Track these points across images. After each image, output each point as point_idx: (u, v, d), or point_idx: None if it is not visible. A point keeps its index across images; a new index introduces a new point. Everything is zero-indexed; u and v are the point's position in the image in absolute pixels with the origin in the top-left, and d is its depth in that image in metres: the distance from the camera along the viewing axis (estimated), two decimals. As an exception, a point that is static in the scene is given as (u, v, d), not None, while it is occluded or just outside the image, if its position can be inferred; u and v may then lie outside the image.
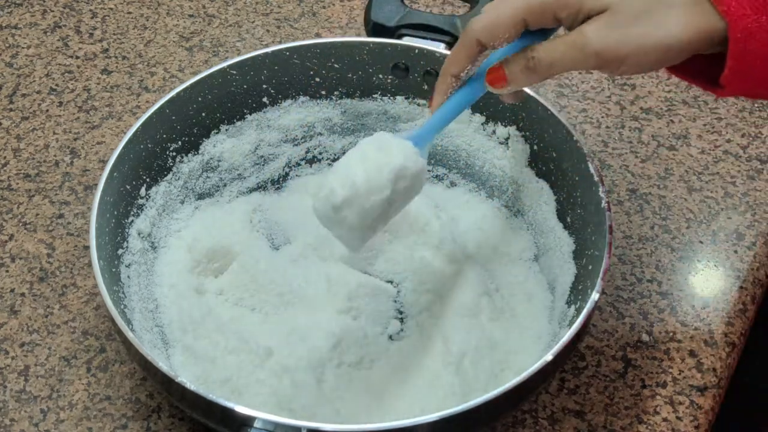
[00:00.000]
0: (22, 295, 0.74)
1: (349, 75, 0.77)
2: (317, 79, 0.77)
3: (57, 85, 0.89)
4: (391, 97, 0.78)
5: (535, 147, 0.75)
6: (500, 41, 0.59)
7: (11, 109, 0.87)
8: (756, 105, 0.88)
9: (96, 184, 0.71)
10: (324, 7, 0.96)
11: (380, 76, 0.77)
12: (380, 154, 0.61)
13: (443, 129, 0.64)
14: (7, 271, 0.76)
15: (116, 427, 0.67)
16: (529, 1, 0.58)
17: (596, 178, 0.68)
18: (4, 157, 0.83)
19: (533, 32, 0.60)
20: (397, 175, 0.61)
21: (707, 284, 0.76)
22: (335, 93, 0.78)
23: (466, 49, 0.60)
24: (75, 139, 0.85)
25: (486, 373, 0.68)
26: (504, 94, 0.63)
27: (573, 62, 0.58)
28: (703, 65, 0.60)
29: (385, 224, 0.63)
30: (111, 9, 0.96)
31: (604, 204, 0.67)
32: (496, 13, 0.59)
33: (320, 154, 0.80)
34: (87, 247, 0.77)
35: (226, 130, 0.77)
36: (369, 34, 0.78)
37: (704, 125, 0.87)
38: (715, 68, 0.58)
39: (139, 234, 0.71)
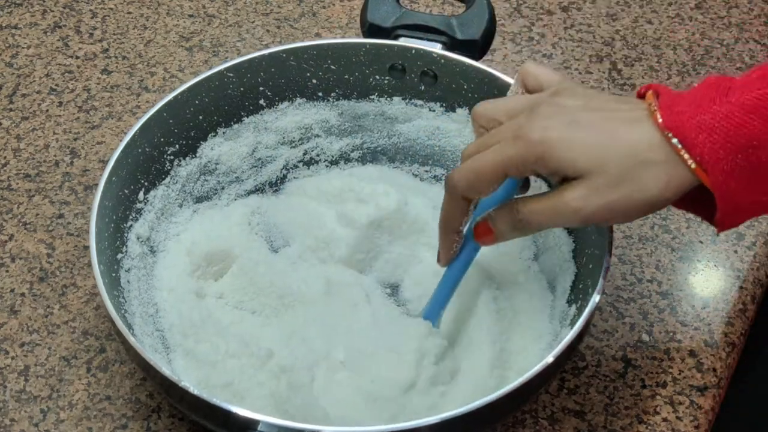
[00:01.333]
0: (22, 295, 0.74)
1: (346, 76, 0.77)
2: (314, 81, 0.77)
3: (57, 85, 0.89)
4: (388, 98, 0.78)
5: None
6: (486, 193, 0.61)
7: (11, 109, 0.87)
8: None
9: (96, 184, 0.71)
10: (324, 7, 0.96)
11: (377, 77, 0.77)
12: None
13: (454, 292, 0.67)
14: (7, 271, 0.76)
15: (116, 427, 0.67)
16: (510, 157, 0.58)
17: (596, 178, 0.68)
18: (4, 157, 0.84)
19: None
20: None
21: (707, 284, 0.76)
22: (332, 94, 0.78)
23: (457, 205, 0.62)
24: (75, 139, 0.85)
25: (487, 374, 0.68)
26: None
27: (558, 223, 0.60)
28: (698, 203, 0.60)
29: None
30: (111, 9, 0.96)
31: (603, 203, 0.67)
32: (477, 169, 0.59)
33: (318, 155, 0.80)
34: (87, 247, 0.77)
35: (224, 132, 0.77)
36: (365, 35, 0.78)
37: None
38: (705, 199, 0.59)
39: (138, 238, 0.71)
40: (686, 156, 0.55)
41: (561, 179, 0.58)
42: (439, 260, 0.66)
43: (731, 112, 0.54)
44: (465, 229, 0.64)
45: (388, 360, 0.66)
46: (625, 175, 0.56)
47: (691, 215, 0.80)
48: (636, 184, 0.56)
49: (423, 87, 0.77)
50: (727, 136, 0.54)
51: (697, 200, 0.59)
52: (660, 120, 0.56)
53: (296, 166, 0.80)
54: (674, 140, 0.55)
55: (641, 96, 0.59)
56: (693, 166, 0.55)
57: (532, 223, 0.60)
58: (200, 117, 0.75)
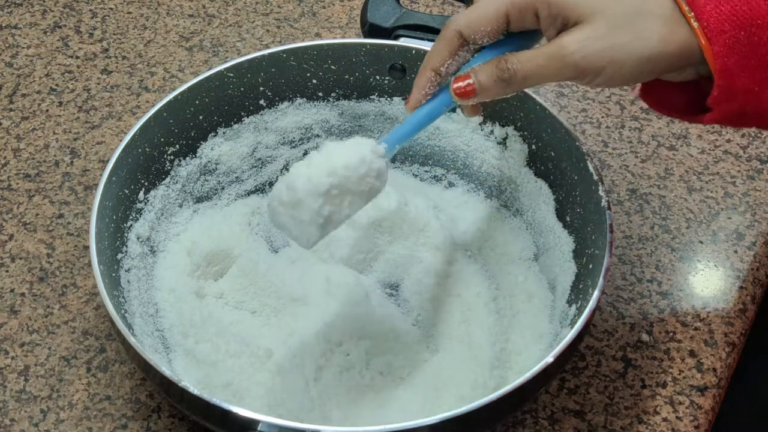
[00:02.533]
0: (22, 295, 0.74)
1: (346, 76, 0.77)
2: (314, 81, 0.77)
3: (57, 85, 0.89)
4: (388, 98, 0.78)
5: (533, 146, 0.75)
6: (482, 35, 0.58)
7: (11, 109, 0.87)
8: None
9: (96, 184, 0.71)
10: (324, 7, 0.96)
11: (377, 77, 0.77)
12: (330, 156, 0.60)
13: (416, 134, 0.63)
14: (7, 271, 0.76)
15: (116, 427, 0.67)
16: None
17: (595, 177, 0.68)
18: (4, 157, 0.84)
19: (509, 41, 0.59)
20: (338, 176, 0.59)
21: (707, 284, 0.76)
22: (332, 94, 0.78)
23: (447, 41, 0.59)
24: (75, 139, 0.85)
25: (487, 374, 0.68)
26: (468, 105, 0.61)
27: (550, 73, 0.57)
28: (681, 99, 0.60)
29: (340, 222, 0.61)
30: (111, 9, 0.96)
31: (604, 203, 0.67)
32: (481, 5, 0.58)
33: (318, 156, 0.80)
34: (87, 247, 0.77)
35: (224, 133, 0.77)
36: (365, 35, 0.78)
37: (704, 125, 0.86)
38: (694, 100, 0.59)
39: (138, 238, 0.71)
40: (691, 15, 0.55)
41: (555, 33, 0.57)
42: (407, 103, 0.62)
43: None
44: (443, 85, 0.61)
45: (341, 148, 0.61)
46: (627, 22, 0.56)
47: (690, 215, 0.80)
48: (636, 33, 0.56)
49: (423, 87, 0.77)
50: (734, 9, 0.55)
51: (678, 99, 0.59)
52: None
53: (296, 166, 0.80)
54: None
55: None
56: (696, 25, 0.55)
57: (518, 72, 0.57)
58: (200, 117, 0.75)
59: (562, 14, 0.57)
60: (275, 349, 0.68)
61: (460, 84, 0.59)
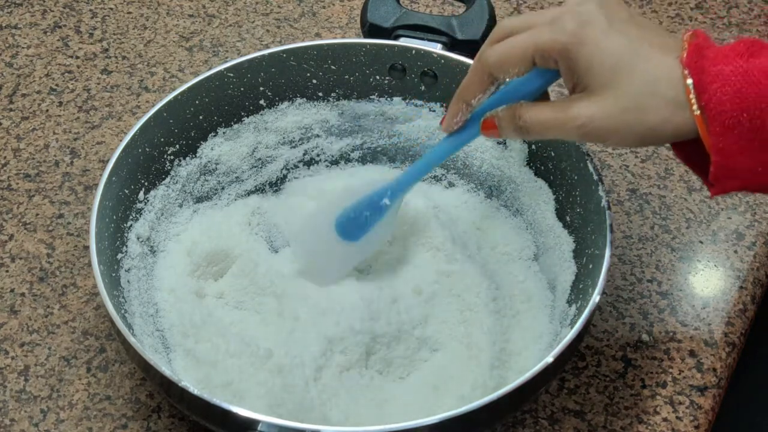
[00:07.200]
0: (22, 295, 0.74)
1: (346, 76, 0.77)
2: (314, 81, 0.77)
3: (57, 85, 0.89)
4: (389, 98, 0.78)
5: (533, 146, 0.75)
6: (511, 75, 0.61)
7: (11, 109, 0.87)
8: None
9: (96, 184, 0.71)
10: (324, 7, 0.96)
11: (377, 77, 0.77)
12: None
13: (426, 174, 0.68)
14: (7, 271, 0.76)
15: (116, 427, 0.67)
16: (538, 41, 0.59)
17: (596, 177, 0.68)
18: (4, 157, 0.84)
19: (538, 73, 0.62)
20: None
21: (707, 284, 0.76)
22: (332, 95, 0.78)
23: (479, 78, 0.62)
24: (75, 139, 0.85)
25: (487, 374, 0.68)
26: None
27: (559, 135, 0.60)
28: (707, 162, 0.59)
29: (357, 263, 0.71)
30: (111, 9, 0.96)
31: (604, 203, 0.67)
32: (509, 47, 0.60)
33: (318, 156, 0.80)
34: (87, 247, 0.77)
35: (224, 133, 0.77)
36: (365, 35, 0.78)
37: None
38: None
39: (138, 238, 0.71)
40: (693, 100, 0.56)
41: (571, 86, 0.59)
42: (441, 123, 0.66)
43: (750, 71, 0.55)
44: (472, 113, 0.65)
45: None
46: (635, 103, 0.57)
47: (690, 215, 0.80)
48: (640, 113, 0.57)
49: (423, 87, 0.77)
50: (739, 91, 0.55)
51: (699, 158, 0.59)
52: (684, 57, 0.57)
53: (296, 166, 0.80)
54: (689, 81, 0.56)
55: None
56: (697, 113, 0.56)
57: (532, 130, 0.61)
58: (200, 117, 0.75)
59: (576, 73, 0.58)
60: (275, 349, 0.68)
61: (487, 130, 0.64)
